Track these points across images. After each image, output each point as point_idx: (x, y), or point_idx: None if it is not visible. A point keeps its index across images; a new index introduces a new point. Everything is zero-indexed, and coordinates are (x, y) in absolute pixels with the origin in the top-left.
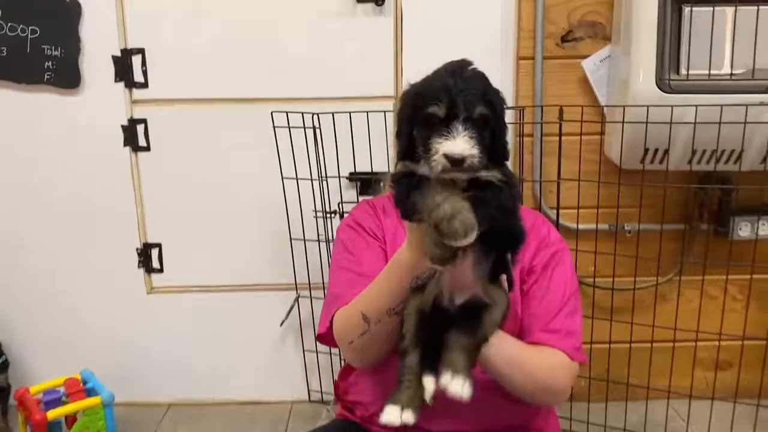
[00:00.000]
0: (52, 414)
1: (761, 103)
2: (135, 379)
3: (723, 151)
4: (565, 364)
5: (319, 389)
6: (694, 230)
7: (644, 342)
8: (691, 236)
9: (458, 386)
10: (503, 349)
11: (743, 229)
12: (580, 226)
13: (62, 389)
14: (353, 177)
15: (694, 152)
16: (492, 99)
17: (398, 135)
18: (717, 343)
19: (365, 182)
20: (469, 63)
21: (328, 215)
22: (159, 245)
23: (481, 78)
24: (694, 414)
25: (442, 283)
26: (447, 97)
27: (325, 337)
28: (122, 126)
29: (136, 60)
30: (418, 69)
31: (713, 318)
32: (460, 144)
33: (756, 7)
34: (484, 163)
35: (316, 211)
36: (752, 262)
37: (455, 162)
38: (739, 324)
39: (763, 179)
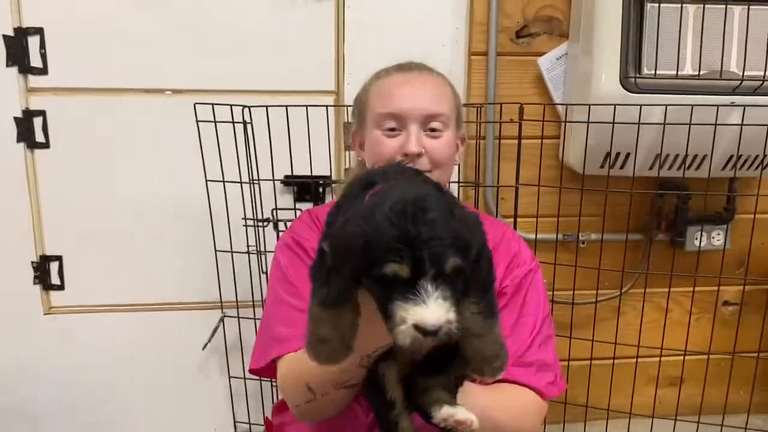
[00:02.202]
0: None
1: (732, 104)
2: (26, 419)
3: (687, 156)
4: (536, 403)
5: (247, 420)
6: (650, 240)
7: (599, 359)
8: (646, 247)
9: (464, 413)
10: (469, 404)
11: (700, 239)
12: (538, 236)
13: None
14: (289, 181)
15: (657, 156)
16: (465, 240)
17: (330, 272)
18: (664, 358)
19: (303, 187)
20: (427, 194)
21: (260, 224)
22: (59, 258)
23: (447, 212)
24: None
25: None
26: (409, 252)
27: (259, 372)
28: (15, 118)
29: (33, 41)
30: (361, 62)
31: (659, 334)
32: (433, 311)
33: (723, 6)
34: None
35: (246, 219)
36: (716, 274)
37: (429, 333)
38: (696, 339)
39: (721, 187)
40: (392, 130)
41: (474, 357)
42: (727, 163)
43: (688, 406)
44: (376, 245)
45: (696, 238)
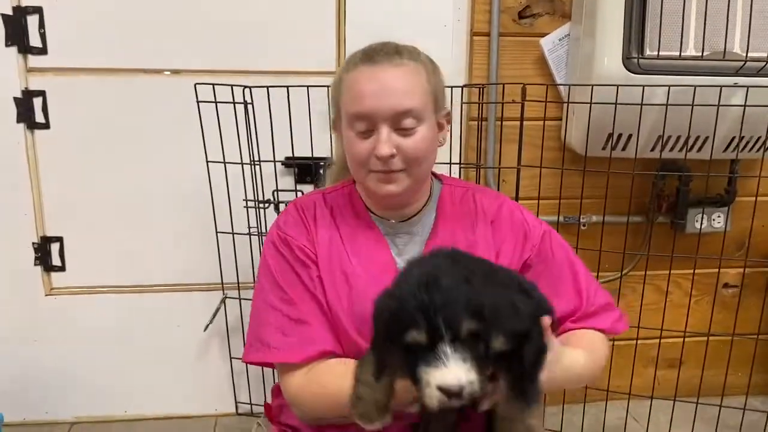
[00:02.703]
0: None
1: (735, 85)
2: (31, 395)
3: (689, 138)
4: (606, 343)
5: (249, 401)
6: (651, 223)
7: None
8: (647, 229)
9: None
10: (559, 378)
11: (700, 221)
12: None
13: None
14: (290, 162)
15: (659, 138)
16: (481, 304)
17: (372, 348)
18: (664, 340)
19: (304, 168)
20: (442, 265)
21: (261, 205)
22: (60, 239)
23: (462, 281)
24: (655, 413)
25: None
26: (425, 319)
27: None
28: (15, 99)
29: (32, 21)
30: (362, 42)
31: (659, 316)
32: (453, 373)
33: None
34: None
35: (246, 201)
36: (716, 256)
37: (453, 394)
38: (691, 321)
39: (722, 169)
40: (364, 132)
41: None
42: (729, 144)
43: (686, 388)
44: (398, 316)
45: (697, 221)
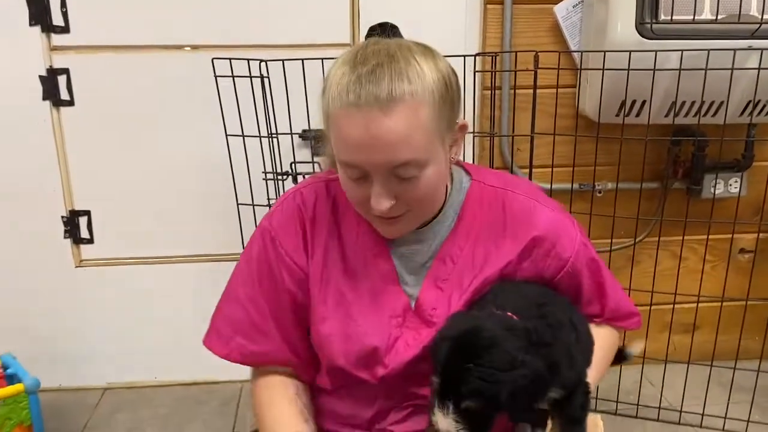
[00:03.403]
0: None
1: (750, 48)
2: (64, 362)
3: (703, 103)
4: (617, 334)
5: None
6: (666, 188)
7: None
8: (662, 195)
9: None
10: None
11: (717, 186)
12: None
13: None
14: (307, 134)
15: (673, 103)
16: (486, 390)
17: None
18: (678, 306)
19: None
20: (474, 330)
21: (280, 177)
22: (87, 212)
23: (485, 365)
24: (669, 377)
25: None
26: (442, 371)
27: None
28: (40, 77)
29: (54, 0)
30: (376, 13)
31: (673, 281)
32: (444, 424)
33: None
34: None
35: (266, 173)
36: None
37: None
38: (707, 286)
39: (739, 133)
40: (357, 178)
41: None
42: (744, 109)
43: (701, 352)
44: (433, 354)
45: (712, 186)
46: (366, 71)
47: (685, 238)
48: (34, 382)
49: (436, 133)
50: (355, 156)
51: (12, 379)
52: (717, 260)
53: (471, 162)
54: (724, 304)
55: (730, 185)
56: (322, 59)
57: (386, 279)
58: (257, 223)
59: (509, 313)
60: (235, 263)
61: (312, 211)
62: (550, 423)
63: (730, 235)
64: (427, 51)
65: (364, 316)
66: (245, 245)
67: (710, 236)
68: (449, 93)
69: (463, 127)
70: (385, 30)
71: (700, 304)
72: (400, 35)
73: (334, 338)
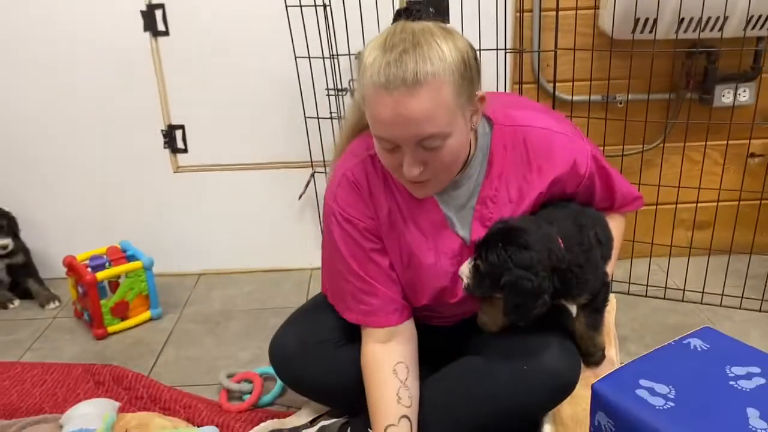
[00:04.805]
0: (101, 275)
1: None
2: (166, 251)
3: (708, 18)
4: (624, 219)
5: None
6: (680, 99)
7: None
8: (677, 104)
9: None
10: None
11: (726, 96)
12: (575, 98)
13: (105, 256)
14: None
15: (681, 20)
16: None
17: None
18: (691, 205)
19: None
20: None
21: (340, 93)
22: (182, 127)
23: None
24: (674, 268)
25: None
26: (482, 240)
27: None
28: (141, 11)
29: None
30: None
31: (695, 181)
32: (463, 267)
33: None
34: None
35: (328, 89)
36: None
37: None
38: (718, 186)
39: (744, 45)
40: (390, 149)
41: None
42: (747, 23)
43: (718, 246)
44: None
45: (723, 96)
46: (393, 58)
47: (700, 143)
48: (150, 260)
49: (457, 107)
50: (387, 132)
51: (131, 259)
52: (729, 164)
53: (503, 76)
54: (730, 203)
55: (740, 94)
56: None
57: (439, 226)
58: (321, 134)
59: (560, 240)
60: (303, 170)
61: (367, 187)
62: (575, 308)
63: (741, 141)
64: (447, 33)
65: (429, 263)
66: (322, 227)
67: (725, 142)
68: (468, 70)
69: (482, 99)
70: (410, 14)
71: (704, 204)
72: (426, 12)
73: (408, 288)
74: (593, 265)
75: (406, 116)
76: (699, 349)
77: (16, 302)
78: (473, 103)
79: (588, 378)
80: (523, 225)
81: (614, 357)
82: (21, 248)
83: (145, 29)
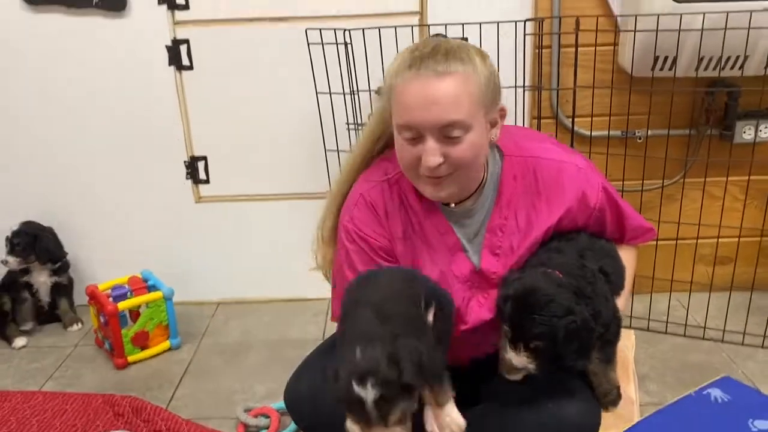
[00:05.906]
0: (122, 305)
1: (765, 9)
2: (186, 280)
3: (729, 58)
4: (637, 251)
5: None
6: (701, 135)
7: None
8: (697, 140)
9: None
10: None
11: (747, 133)
12: (594, 133)
13: (127, 286)
14: (382, 91)
15: (701, 59)
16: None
17: None
18: (709, 240)
19: None
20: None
21: (359, 127)
22: (204, 158)
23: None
24: (694, 304)
25: None
26: (511, 322)
27: None
28: (166, 46)
29: None
30: None
31: (716, 217)
32: (519, 360)
33: None
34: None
35: (348, 124)
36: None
37: None
38: (739, 222)
39: (765, 84)
40: (412, 139)
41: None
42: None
43: (724, 282)
44: None
45: (744, 132)
46: (426, 52)
47: (721, 179)
48: (170, 291)
49: (480, 103)
50: (413, 115)
51: (151, 290)
52: (751, 200)
53: (522, 112)
54: (752, 239)
55: (761, 131)
56: (395, 27)
57: (454, 249)
58: (341, 165)
59: (557, 272)
60: (322, 201)
61: (383, 208)
62: None
63: (762, 177)
64: (480, 52)
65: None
66: (336, 242)
67: (746, 177)
68: (494, 83)
69: (503, 111)
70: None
71: (725, 239)
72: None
73: None
74: (602, 296)
75: (432, 98)
76: (720, 401)
77: (23, 340)
78: (495, 110)
79: (607, 417)
80: (527, 284)
81: (633, 395)
82: (67, 269)
83: (170, 63)
